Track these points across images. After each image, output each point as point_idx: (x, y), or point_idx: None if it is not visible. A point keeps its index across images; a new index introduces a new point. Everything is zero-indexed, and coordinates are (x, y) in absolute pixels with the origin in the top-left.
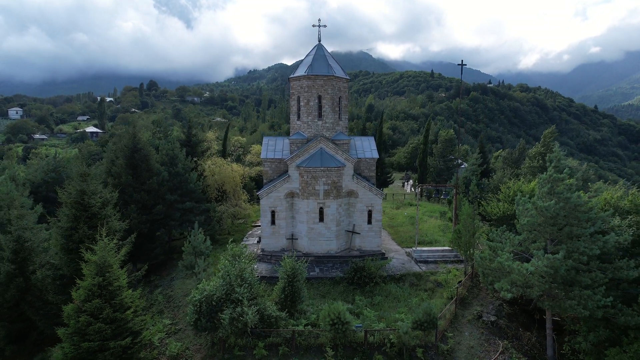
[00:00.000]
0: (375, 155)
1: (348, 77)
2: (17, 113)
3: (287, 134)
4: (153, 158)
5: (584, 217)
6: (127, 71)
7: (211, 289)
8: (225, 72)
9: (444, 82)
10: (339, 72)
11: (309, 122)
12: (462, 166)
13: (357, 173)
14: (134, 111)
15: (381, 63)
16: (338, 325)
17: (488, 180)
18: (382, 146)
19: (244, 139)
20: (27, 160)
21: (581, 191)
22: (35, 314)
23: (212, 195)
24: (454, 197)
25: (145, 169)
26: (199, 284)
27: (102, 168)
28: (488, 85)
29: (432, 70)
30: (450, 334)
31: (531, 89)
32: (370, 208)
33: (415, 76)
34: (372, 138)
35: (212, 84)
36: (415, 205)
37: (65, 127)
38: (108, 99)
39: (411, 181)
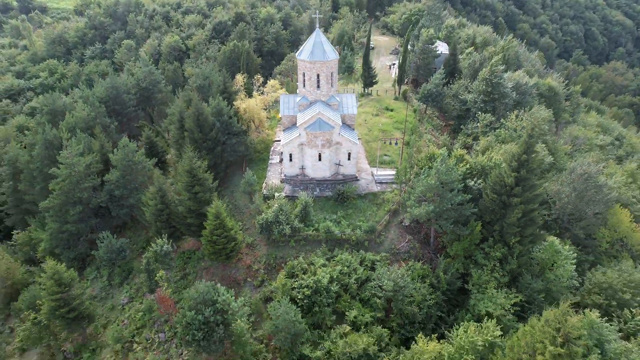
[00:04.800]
0: (355, 111)
1: (337, 57)
2: None
3: None
4: (209, 114)
5: (449, 186)
6: None
7: (267, 216)
8: None
9: None
10: (331, 56)
11: (311, 91)
12: (443, 52)
13: (343, 122)
14: None
15: None
16: (328, 232)
17: (450, 88)
18: (378, 2)
19: (262, 78)
20: (40, 30)
21: (457, 165)
22: (179, 224)
23: (245, 126)
24: (402, 143)
25: (206, 125)
26: (257, 209)
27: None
28: None
29: None
30: (384, 233)
31: None
32: (349, 151)
33: None
34: (354, 95)
35: None
36: (392, 109)
37: None
38: None
39: (396, 64)
